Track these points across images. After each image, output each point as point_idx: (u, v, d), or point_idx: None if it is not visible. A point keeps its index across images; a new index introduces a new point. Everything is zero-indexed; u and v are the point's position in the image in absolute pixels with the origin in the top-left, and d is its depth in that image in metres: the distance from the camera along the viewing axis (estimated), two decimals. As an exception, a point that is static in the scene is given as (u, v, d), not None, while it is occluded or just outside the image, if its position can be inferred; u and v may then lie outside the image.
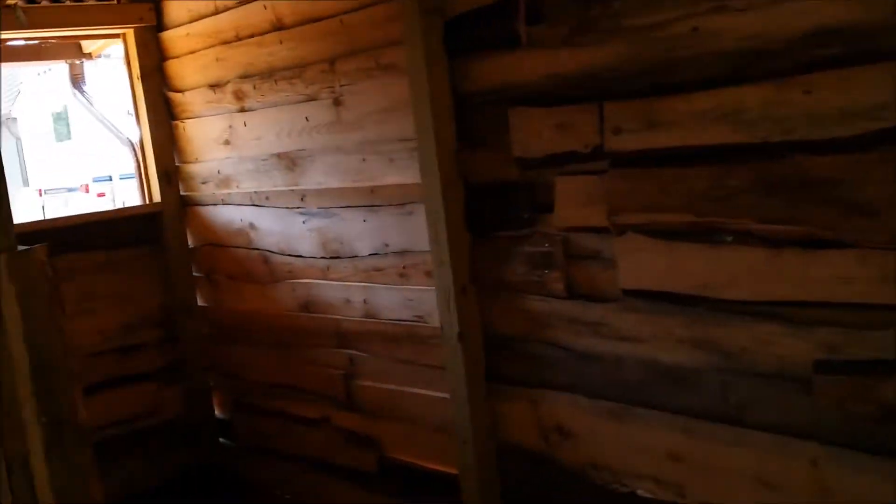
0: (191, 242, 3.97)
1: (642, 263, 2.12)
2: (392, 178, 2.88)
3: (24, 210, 12.97)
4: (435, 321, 2.74)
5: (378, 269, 3.02)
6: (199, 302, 4.01)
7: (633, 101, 2.07)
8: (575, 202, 2.25)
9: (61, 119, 19.27)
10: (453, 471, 2.79)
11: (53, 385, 1.64)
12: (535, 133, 2.31)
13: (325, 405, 3.38)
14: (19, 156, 20.25)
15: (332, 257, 3.21)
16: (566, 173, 2.27)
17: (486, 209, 2.51)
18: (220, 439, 4.08)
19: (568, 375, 2.39)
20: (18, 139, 20.21)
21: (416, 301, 2.90)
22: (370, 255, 3.04)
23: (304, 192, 3.25)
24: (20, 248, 1.64)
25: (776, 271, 1.89)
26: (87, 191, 15.93)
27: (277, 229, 3.44)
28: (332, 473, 3.40)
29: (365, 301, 3.09)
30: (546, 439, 2.50)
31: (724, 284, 1.98)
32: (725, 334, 2.02)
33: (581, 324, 2.32)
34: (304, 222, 3.29)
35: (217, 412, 4.09)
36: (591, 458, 2.38)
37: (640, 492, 2.28)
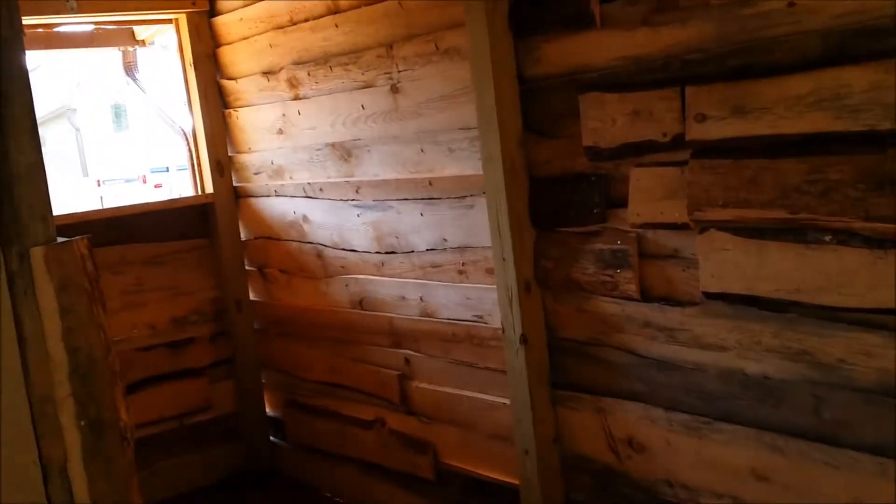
0: (243, 235, 3.91)
1: (727, 264, 1.96)
2: (451, 169, 2.76)
3: (83, 201, 13.21)
4: (496, 321, 2.62)
5: (435, 266, 2.90)
6: (251, 296, 3.95)
7: (719, 86, 1.91)
8: (651, 196, 2.10)
9: (120, 109, 19.63)
10: (514, 481, 2.67)
11: (93, 386, 1.56)
12: (608, 121, 2.16)
13: (380, 407, 3.28)
14: (79, 146, 20.70)
15: (387, 252, 3.10)
16: (642, 164, 2.12)
17: (552, 203, 2.37)
18: (272, 438, 4.02)
19: (641, 384, 2.25)
20: (78, 130, 20.66)
21: (475, 300, 2.78)
22: (427, 250, 2.92)
23: (359, 183, 3.15)
24: (60, 240, 1.56)
25: (881, 275, 1.72)
26: (145, 181, 16.18)
27: (331, 222, 3.35)
28: (386, 478, 3.30)
29: (421, 299, 2.98)
30: (616, 452, 2.35)
31: (820, 289, 1.81)
32: (820, 344, 1.85)
33: (657, 329, 2.17)
34: (358, 215, 3.19)
35: (269, 410, 4.03)
36: (666, 474, 2.23)
37: (719, 512, 2.12)
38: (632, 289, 2.20)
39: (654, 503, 2.28)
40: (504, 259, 2.46)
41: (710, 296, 2.02)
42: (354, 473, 3.48)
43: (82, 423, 1.53)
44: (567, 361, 2.45)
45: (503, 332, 2.52)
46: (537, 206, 2.41)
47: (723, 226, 1.96)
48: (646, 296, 2.19)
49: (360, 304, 3.28)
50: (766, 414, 1.98)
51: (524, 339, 2.45)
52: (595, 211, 2.25)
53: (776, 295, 1.89)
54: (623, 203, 2.18)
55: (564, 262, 2.37)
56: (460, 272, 2.81)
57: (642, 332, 2.22)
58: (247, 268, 3.93)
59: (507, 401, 2.62)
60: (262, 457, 4.00)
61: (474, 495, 2.92)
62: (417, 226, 2.94)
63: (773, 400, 1.96)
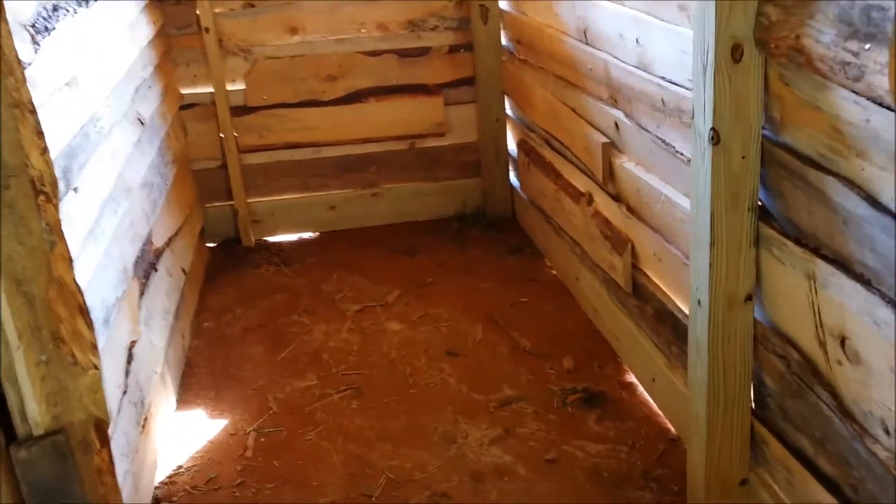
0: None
1: None
2: None
3: None
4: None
5: (657, -8, 2.00)
6: (501, 4, 3.28)
7: None
8: None
9: None
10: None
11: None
12: None
13: (590, 179, 2.59)
14: None
15: (614, -37, 2.23)
16: None
17: None
18: (511, 175, 3.53)
19: (871, 255, 1.33)
20: None
21: (696, 55, 1.87)
22: (653, -36, 2.01)
23: None
24: None
25: None
26: None
27: None
28: (590, 268, 2.68)
29: (637, 41, 2.12)
30: (823, 347, 1.50)
31: None
32: None
33: (902, 169, 1.21)
34: None
35: (510, 145, 3.50)
36: (886, 412, 1.37)
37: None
38: (881, 83, 1.22)
39: (856, 441, 1.44)
40: (711, -11, 1.54)
41: None
42: (566, 250, 2.90)
43: None
44: (783, 185, 1.56)
45: (692, 115, 1.66)
46: None
47: None
48: (905, 102, 1.20)
49: (584, 35, 2.48)
50: None
51: (714, 136, 1.59)
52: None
53: None
54: None
55: (796, 13, 1.40)
56: (684, 8, 1.90)
57: (890, 164, 1.26)
58: (496, -34, 3.24)
59: (703, 218, 1.81)
60: (498, 199, 3.55)
61: (668, 328, 2.20)
62: (648, -75, 2.01)
63: None
